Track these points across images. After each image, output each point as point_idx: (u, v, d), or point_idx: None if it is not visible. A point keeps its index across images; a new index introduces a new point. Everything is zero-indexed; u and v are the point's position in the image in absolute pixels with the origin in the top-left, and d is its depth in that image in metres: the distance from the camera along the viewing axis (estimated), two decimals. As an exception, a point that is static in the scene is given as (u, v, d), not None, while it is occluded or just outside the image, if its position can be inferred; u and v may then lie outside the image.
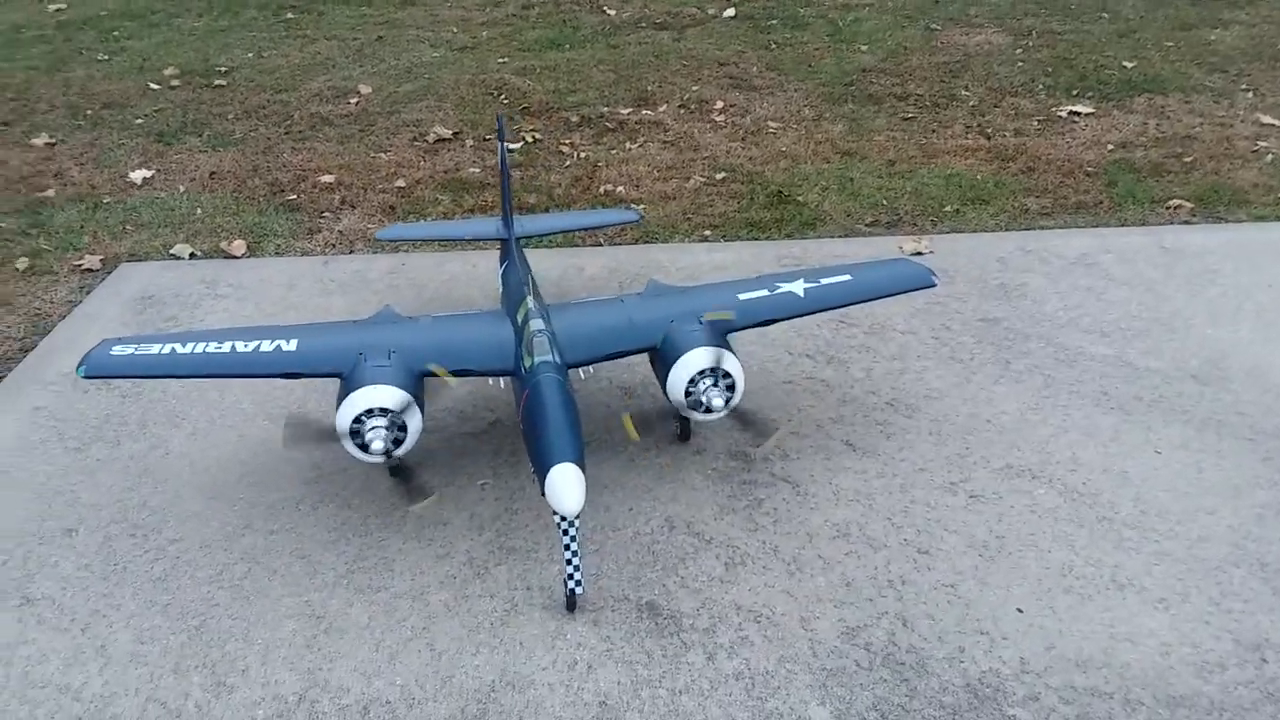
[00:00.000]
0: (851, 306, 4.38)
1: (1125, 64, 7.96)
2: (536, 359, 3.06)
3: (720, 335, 3.28)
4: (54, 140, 6.86)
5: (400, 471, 3.50)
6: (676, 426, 3.66)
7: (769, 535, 3.23)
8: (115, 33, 9.26)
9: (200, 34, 9.22)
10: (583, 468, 2.75)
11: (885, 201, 5.83)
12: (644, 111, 7.25)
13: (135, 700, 2.69)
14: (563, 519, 2.75)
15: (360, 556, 3.18)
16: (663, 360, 3.23)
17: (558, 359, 3.10)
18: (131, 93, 7.75)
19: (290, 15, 9.73)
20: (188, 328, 4.56)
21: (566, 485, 2.67)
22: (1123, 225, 5.50)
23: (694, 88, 7.70)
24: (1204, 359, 4.14)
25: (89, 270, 5.17)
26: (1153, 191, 5.84)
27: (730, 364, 3.14)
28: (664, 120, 7.08)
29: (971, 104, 7.36)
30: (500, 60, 8.38)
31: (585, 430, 3.73)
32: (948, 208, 5.74)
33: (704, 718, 2.59)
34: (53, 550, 3.25)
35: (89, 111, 7.36)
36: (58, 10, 10.03)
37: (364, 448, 2.97)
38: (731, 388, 3.15)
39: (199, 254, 5.34)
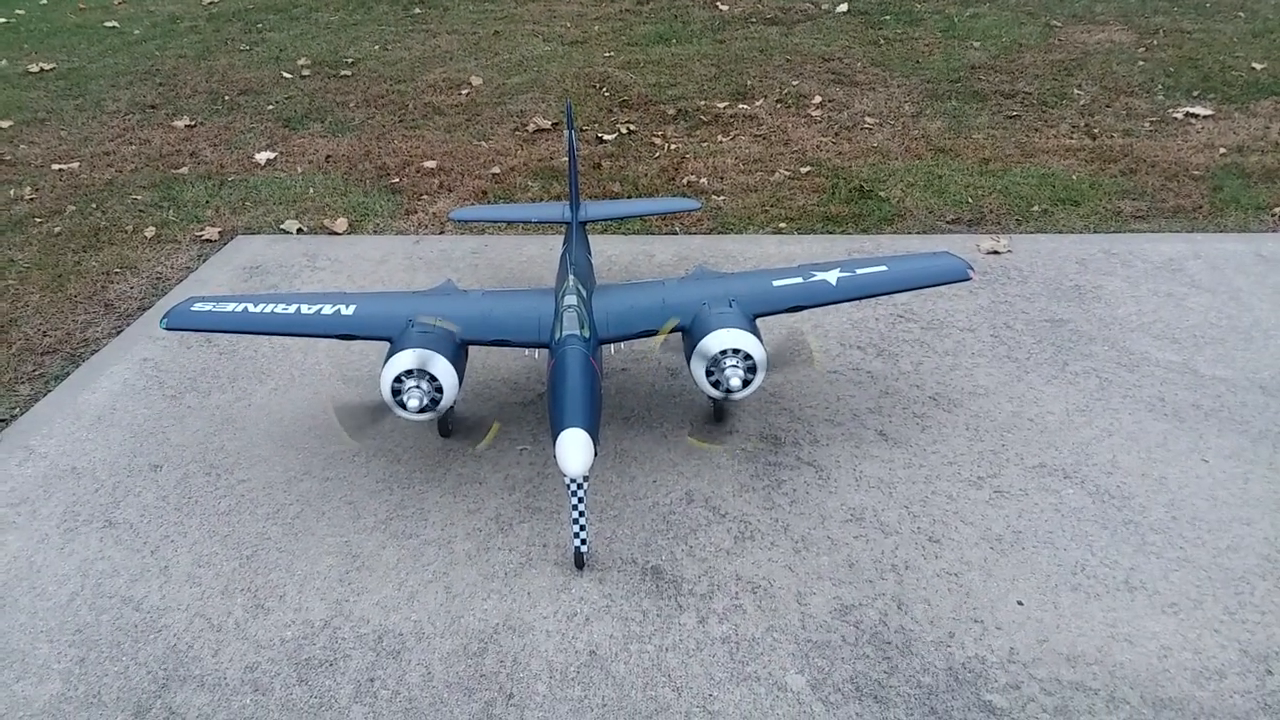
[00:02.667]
0: (908, 302, 4.47)
1: (1255, 65, 7.55)
2: (565, 332, 3.23)
3: (749, 318, 3.38)
4: (194, 123, 7.49)
5: (449, 432, 3.76)
6: (711, 406, 3.77)
7: (783, 514, 3.31)
8: (259, 25, 9.97)
9: (334, 27, 9.83)
10: (594, 434, 2.91)
11: (970, 200, 5.75)
12: (740, 105, 7.34)
13: (185, 615, 3.01)
14: (571, 480, 2.91)
15: (400, 505, 3.43)
16: (689, 340, 3.35)
17: (586, 333, 3.27)
18: (267, 81, 8.35)
19: (418, 10, 10.25)
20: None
21: (572, 448, 2.83)
22: (1220, 231, 5.26)
23: (794, 82, 7.73)
24: (1277, 370, 3.96)
25: (208, 240, 5.66)
26: (1260, 198, 5.56)
27: (751, 346, 3.23)
28: (759, 114, 7.15)
29: (1082, 103, 7.14)
30: (607, 54, 8.62)
31: (627, 406, 3.93)
32: (1035, 208, 5.62)
33: (684, 674, 2.71)
34: (138, 482, 3.63)
35: (227, 97, 7.99)
36: (211, 3, 10.86)
37: (403, 405, 3.22)
38: (752, 370, 3.25)
39: (305, 230, 5.76)
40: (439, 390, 3.24)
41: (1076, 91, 7.35)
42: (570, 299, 3.41)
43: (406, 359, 3.21)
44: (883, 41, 8.67)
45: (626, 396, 4.00)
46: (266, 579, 3.14)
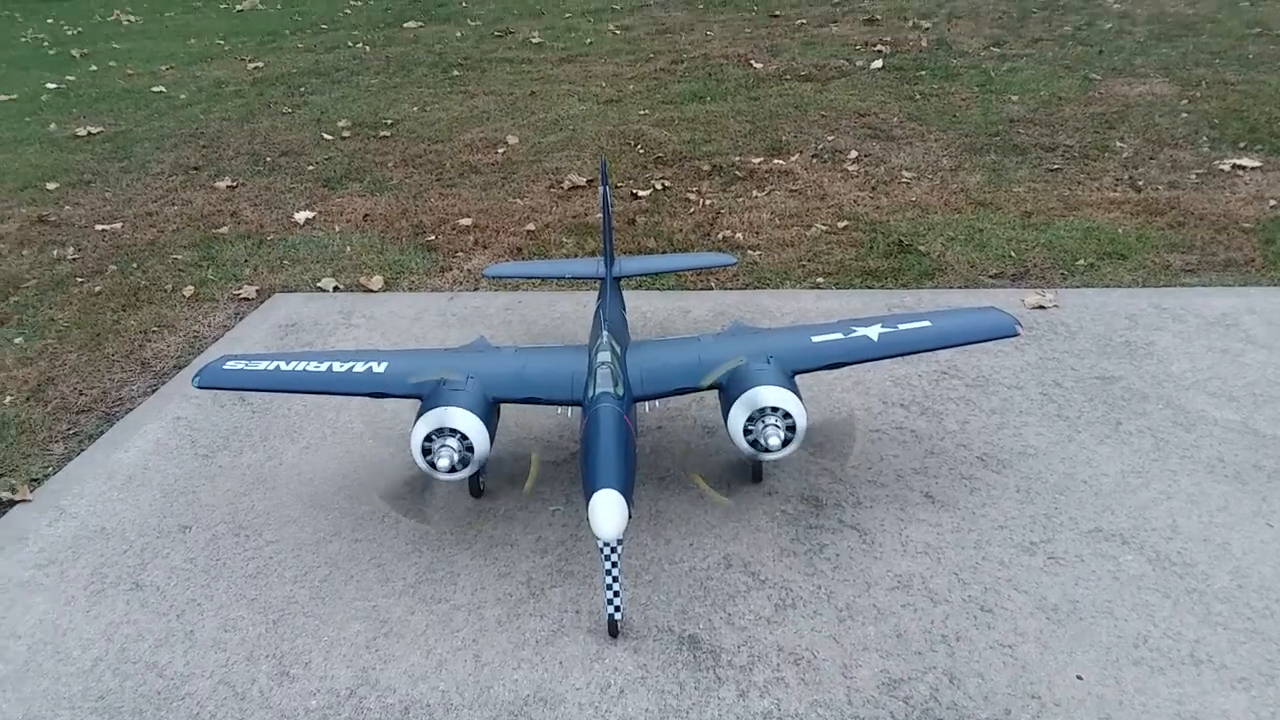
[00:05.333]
0: (952, 359, 4.35)
1: (1304, 115, 7.41)
2: (598, 390, 3.16)
3: (788, 375, 3.28)
4: (235, 184, 7.61)
5: (480, 492, 3.68)
6: (750, 467, 3.66)
7: (826, 580, 3.17)
8: (301, 89, 10.19)
9: (375, 90, 10.02)
10: (628, 496, 2.81)
11: (1014, 254, 5.64)
12: (775, 161, 7.32)
13: (209, 681, 2.92)
14: (604, 544, 2.81)
15: (430, 568, 3.34)
16: (726, 397, 3.26)
17: (620, 391, 3.19)
18: (307, 142, 8.49)
19: (456, 72, 10.44)
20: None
21: (605, 510, 2.73)
22: (1275, 285, 5.10)
23: (829, 137, 7.71)
24: (1344, 429, 3.78)
25: (245, 299, 5.69)
26: (1315, 250, 5.39)
27: (792, 404, 3.14)
28: (794, 169, 7.13)
29: (1125, 156, 7.04)
30: (642, 112, 8.67)
31: (662, 465, 3.83)
32: (1081, 261, 5.49)
33: (724, 753, 2.57)
34: (167, 543, 3.58)
35: (268, 159, 8.13)
36: (256, 68, 11.15)
37: (433, 465, 3.15)
38: (792, 428, 3.14)
39: (341, 287, 5.78)
40: (470, 449, 3.17)
41: (1119, 144, 7.25)
42: (604, 355, 3.34)
43: (436, 417, 3.15)
44: (919, 96, 8.64)
45: (662, 455, 3.90)
46: (292, 645, 3.06)
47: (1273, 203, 6.04)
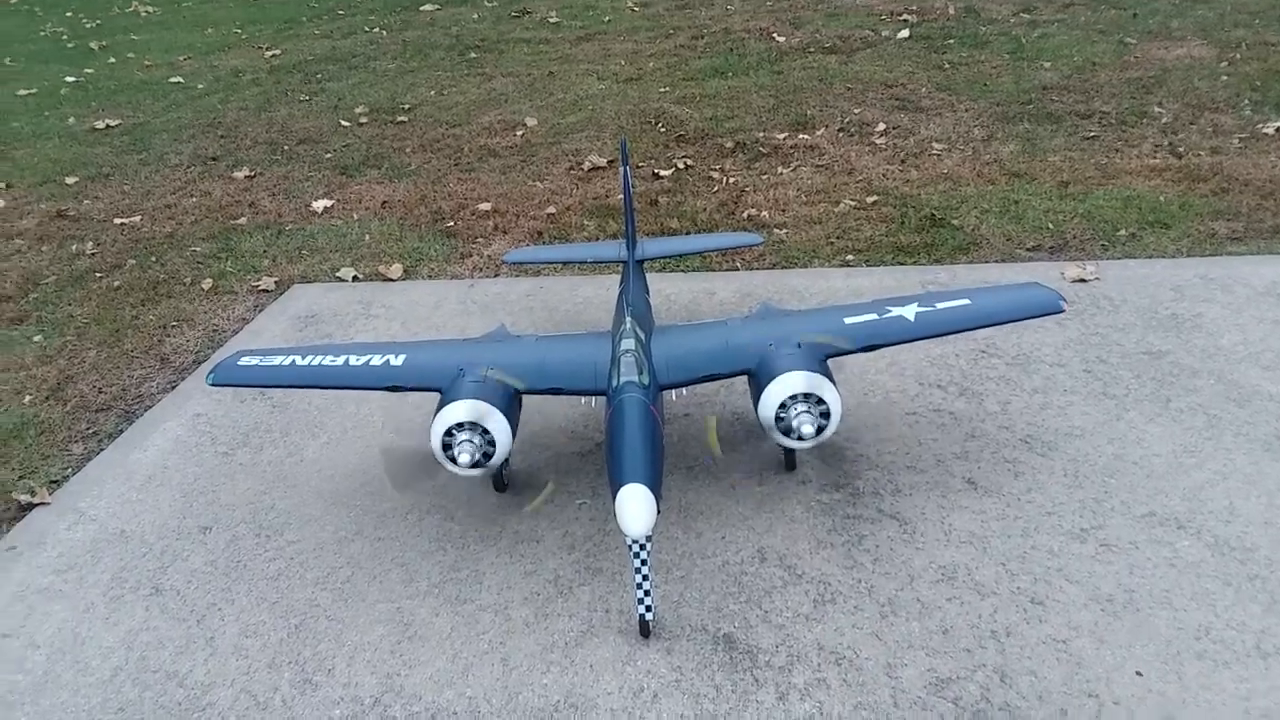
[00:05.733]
0: (991, 336, 4.17)
1: (1351, 74, 7.11)
2: (623, 379, 3.03)
3: (819, 360, 3.14)
4: (253, 173, 7.52)
5: (504, 486, 3.57)
6: (782, 454, 3.53)
7: (866, 574, 3.04)
8: (318, 75, 10.09)
9: (391, 75, 9.89)
10: (656, 490, 2.69)
11: (1051, 225, 5.44)
12: (800, 136, 7.13)
13: (230, 690, 2.84)
14: (633, 541, 2.69)
15: (454, 567, 3.24)
16: (756, 384, 3.13)
17: (646, 379, 3.06)
18: (325, 130, 8.39)
19: (473, 55, 10.29)
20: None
21: (633, 506, 2.61)
22: (1328, 251, 4.87)
23: (855, 110, 7.50)
24: None
25: (264, 291, 5.60)
26: (1369, 214, 5.15)
27: (825, 390, 2.99)
28: (820, 144, 6.93)
29: (1164, 121, 6.78)
30: (662, 90, 8.49)
31: (689, 454, 3.70)
32: (1122, 232, 5.28)
33: (764, 760, 2.45)
34: (187, 545, 3.50)
35: (286, 147, 8.03)
36: (273, 56, 11.05)
37: (454, 460, 3.04)
38: (826, 415, 3.00)
39: (360, 277, 5.68)
40: (492, 444, 3.06)
41: (1157, 109, 6.99)
42: (628, 343, 3.21)
43: (458, 411, 3.04)
44: (947, 66, 8.40)
45: (690, 444, 3.77)
46: (315, 650, 2.97)
47: (1322, 165, 5.79)
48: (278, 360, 3.41)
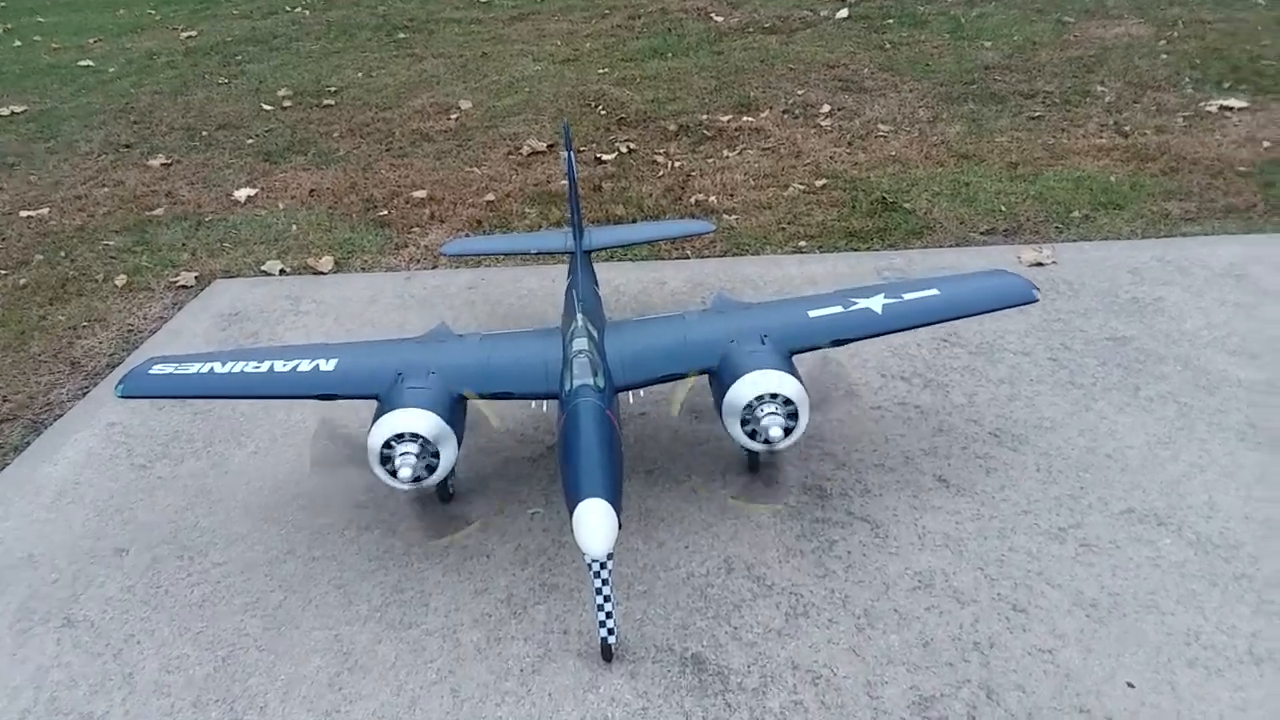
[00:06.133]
0: (953, 324, 4.03)
1: (1288, 53, 7.16)
2: (576, 382, 2.81)
3: (786, 356, 2.95)
4: (170, 161, 7.09)
5: (449, 496, 3.33)
6: (744, 455, 3.34)
7: (839, 583, 2.86)
8: (238, 57, 9.61)
9: (316, 56, 9.46)
10: (616, 504, 2.47)
11: (1004, 208, 5.33)
12: (744, 118, 6.94)
13: (149, 737, 2.57)
14: (593, 561, 2.47)
15: (397, 588, 2.99)
16: (719, 384, 2.93)
17: (600, 382, 2.84)
18: (246, 114, 7.96)
19: (402, 35, 9.89)
20: (268, 343, 4.54)
21: (593, 523, 2.40)
22: (1280, 231, 4.85)
23: (799, 92, 7.34)
24: (1376, 386, 3.53)
25: (184, 287, 5.24)
26: (1318, 193, 5.14)
27: (791, 389, 2.81)
28: (765, 126, 6.75)
29: (1107, 100, 6.75)
30: (601, 71, 8.24)
31: (647, 457, 3.50)
32: (1075, 213, 5.20)
33: (743, 796, 2.27)
34: (101, 570, 3.19)
35: (205, 133, 7.60)
36: (189, 37, 10.51)
37: (394, 474, 2.79)
38: (794, 416, 2.82)
39: (288, 270, 5.34)
40: (435, 456, 2.81)
41: (1100, 88, 6.96)
42: (580, 342, 2.98)
43: (397, 420, 2.78)
44: (888, 46, 8.29)
45: (647, 445, 3.57)
46: (245, 686, 2.70)
47: (1266, 144, 5.78)
48: (194, 368, 3.11)
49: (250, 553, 3.21)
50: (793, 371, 2.89)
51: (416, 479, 2.80)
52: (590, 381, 2.80)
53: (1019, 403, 3.65)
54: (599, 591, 2.53)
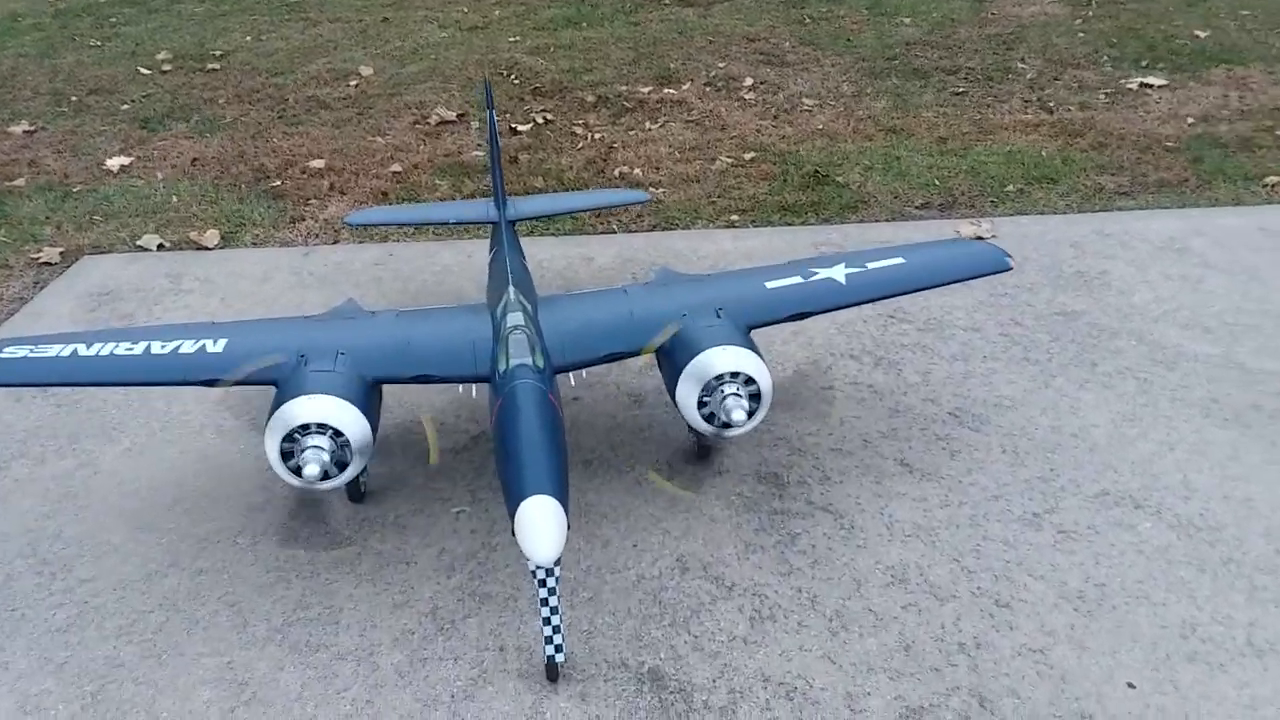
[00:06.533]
0: (898, 299, 3.81)
1: (1198, 33, 7.21)
2: (513, 362, 2.45)
3: (743, 331, 2.65)
4: (33, 128, 6.38)
5: (361, 495, 2.93)
6: (693, 441, 3.03)
7: (805, 580, 2.59)
8: (112, 19, 8.81)
9: (199, 18, 8.75)
10: (564, 501, 2.14)
11: (938, 182, 5.16)
12: (666, 90, 6.62)
13: (-3, 797, 2.12)
14: (537, 567, 2.13)
15: (301, 604, 2.59)
16: (671, 363, 2.61)
17: (540, 362, 2.49)
18: (120, 79, 7.26)
19: (295, -2, 9.25)
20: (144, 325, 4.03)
21: (541, 525, 2.05)
22: (1214, 205, 4.78)
23: (720, 64, 7.06)
24: (1332, 359, 3.44)
25: (47, 264, 4.65)
26: (1245, 168, 5.11)
27: (754, 367, 2.51)
28: (688, 99, 6.45)
29: (1029, 77, 6.66)
30: (512, 39, 7.81)
31: (585, 445, 3.17)
32: (1010, 188, 5.05)
33: (720, 837, 1.96)
34: (-59, 592, 2.69)
35: (74, 98, 6.88)
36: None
37: (297, 471, 2.38)
38: (756, 397, 2.52)
39: (168, 245, 4.80)
40: (346, 449, 2.42)
41: (1020, 65, 6.87)
42: (515, 317, 2.63)
43: (301, 409, 2.38)
44: (808, 20, 8.08)
45: (584, 433, 3.23)
46: (118, 727, 2.27)
47: (1190, 120, 5.76)
48: (53, 350, 2.63)
49: (124, 566, 2.76)
50: (753, 348, 2.59)
51: (325, 475, 2.40)
52: (529, 361, 2.45)
53: (975, 380, 3.44)
54: (545, 603, 2.18)
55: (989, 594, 2.52)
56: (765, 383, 2.54)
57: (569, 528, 2.16)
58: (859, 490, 2.91)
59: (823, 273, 2.88)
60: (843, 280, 2.84)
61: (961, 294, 4.00)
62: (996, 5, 8.22)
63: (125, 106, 6.72)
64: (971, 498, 2.87)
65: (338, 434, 2.39)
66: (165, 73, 7.36)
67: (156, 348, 2.65)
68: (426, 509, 2.90)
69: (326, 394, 2.42)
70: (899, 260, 2.91)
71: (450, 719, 2.23)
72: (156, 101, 6.78)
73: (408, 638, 2.46)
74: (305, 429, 2.38)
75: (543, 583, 2.16)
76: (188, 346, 2.65)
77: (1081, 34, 7.43)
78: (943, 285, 3.01)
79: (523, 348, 2.48)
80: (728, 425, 2.53)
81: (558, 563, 2.13)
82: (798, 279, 2.86)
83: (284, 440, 2.38)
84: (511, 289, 2.79)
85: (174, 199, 5.28)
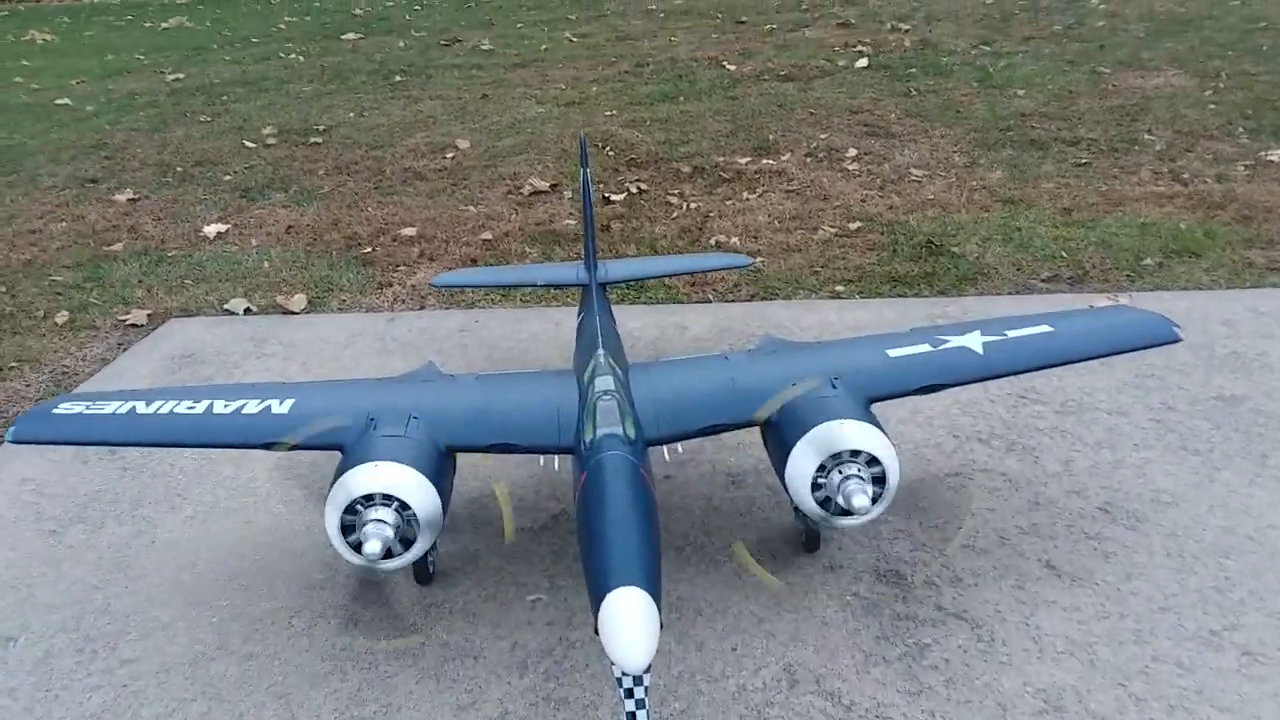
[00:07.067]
0: (1030, 379, 3.42)
1: (1344, 103, 6.70)
2: (600, 432, 2.16)
3: (863, 404, 2.31)
4: (137, 196, 6.50)
5: (429, 577, 2.64)
6: (801, 531, 2.67)
7: (939, 703, 2.18)
8: (224, 97, 9.12)
9: (306, 97, 8.97)
10: (656, 595, 1.80)
11: (1065, 254, 4.75)
12: (764, 160, 6.41)
13: None
14: (624, 673, 1.79)
15: (356, 699, 2.29)
16: (778, 438, 2.28)
17: (631, 432, 2.19)
18: (226, 151, 7.41)
19: (399, 78, 9.44)
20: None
21: (630, 624, 1.72)
22: (1384, 281, 4.27)
23: (822, 135, 6.83)
24: None
25: (134, 325, 4.59)
26: None
27: (879, 445, 2.16)
28: (787, 169, 6.21)
29: (1158, 149, 6.24)
30: (608, 114, 7.74)
31: (676, 530, 2.83)
32: (1147, 261, 4.62)
33: None
34: (-22, 667, 2.48)
35: (179, 169, 7.03)
36: (175, 79, 10.04)
37: (358, 548, 2.11)
38: (881, 480, 2.17)
39: (254, 309, 4.70)
40: (413, 524, 2.14)
41: (1148, 136, 6.46)
42: (605, 381, 2.34)
43: (365, 478, 2.12)
44: (914, 93, 7.83)
45: (675, 516, 2.90)
46: (139, 838, 1.98)
47: (1344, 193, 5.26)
48: (110, 407, 2.44)
49: (171, 646, 2.51)
50: (877, 424, 2.24)
51: (388, 554, 2.12)
52: (619, 431, 2.15)
53: (1126, 471, 3.00)
54: (632, 718, 1.83)
55: (1168, 730, 2.07)
56: (892, 465, 2.18)
57: (661, 627, 1.82)
58: (998, 596, 2.49)
59: (954, 340, 2.52)
60: (979, 350, 2.48)
61: (1102, 375, 3.58)
62: (1117, 78, 7.84)
63: (227, 177, 6.81)
64: (1134, 609, 2.42)
65: (404, 506, 2.12)
66: (269, 146, 7.48)
67: (219, 407, 2.44)
68: (499, 595, 2.59)
69: (394, 461, 2.16)
70: (1046, 329, 2.54)
71: None
72: (258, 173, 6.86)
73: (471, 747, 2.13)
74: (369, 500, 2.12)
75: (630, 692, 1.82)
76: (252, 406, 2.44)
77: (1213, 105, 6.98)
78: (1098, 357, 2.60)
79: (612, 415, 2.19)
80: (846, 512, 2.18)
81: (648, 669, 1.79)
82: (926, 347, 2.52)
83: (345, 512, 2.12)
84: (601, 352, 2.51)
85: (265, 264, 5.23)
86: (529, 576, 2.67)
